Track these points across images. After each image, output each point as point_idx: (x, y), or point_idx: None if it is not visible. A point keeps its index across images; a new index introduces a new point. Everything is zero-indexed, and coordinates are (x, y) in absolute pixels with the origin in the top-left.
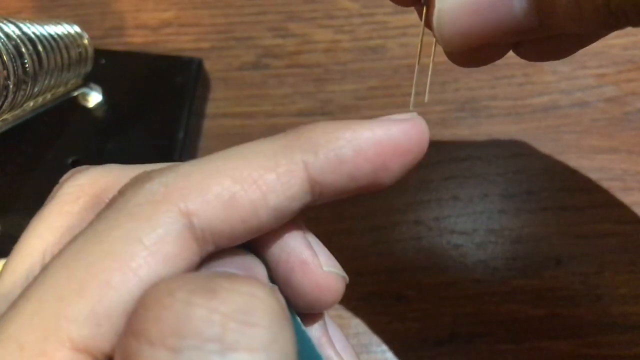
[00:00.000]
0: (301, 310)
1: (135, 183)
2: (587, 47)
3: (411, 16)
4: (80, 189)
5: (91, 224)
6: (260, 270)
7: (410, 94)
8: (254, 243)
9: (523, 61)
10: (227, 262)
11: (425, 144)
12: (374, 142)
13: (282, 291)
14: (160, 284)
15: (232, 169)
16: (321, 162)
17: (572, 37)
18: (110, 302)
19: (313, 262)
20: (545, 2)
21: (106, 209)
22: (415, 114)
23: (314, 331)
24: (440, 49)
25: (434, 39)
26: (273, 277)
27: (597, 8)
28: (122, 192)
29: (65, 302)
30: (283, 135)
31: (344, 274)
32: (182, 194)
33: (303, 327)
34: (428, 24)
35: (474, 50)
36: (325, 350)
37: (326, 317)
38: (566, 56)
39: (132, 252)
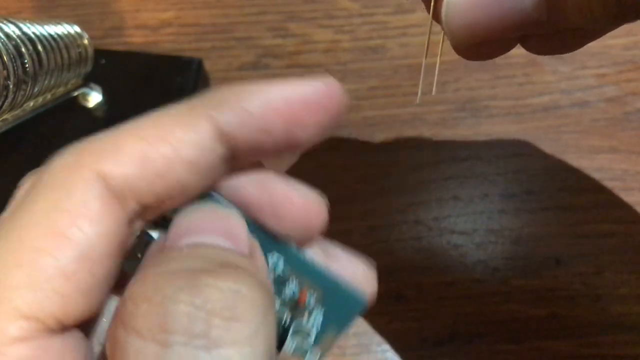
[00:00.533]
0: (298, 240)
1: (53, 157)
2: (587, 47)
3: (411, 16)
4: None
5: (18, 201)
6: (238, 225)
7: (410, 94)
8: (234, 195)
9: (523, 61)
10: (207, 223)
11: (339, 103)
12: (282, 97)
13: (274, 228)
14: (148, 278)
15: (142, 129)
16: (228, 115)
17: (579, 31)
18: (47, 267)
19: (290, 195)
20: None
21: (30, 187)
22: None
23: (315, 255)
24: (447, 44)
25: (442, 32)
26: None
27: (607, 2)
28: (42, 169)
29: (5, 273)
30: (194, 98)
31: (320, 197)
32: (94, 158)
33: (302, 252)
34: (436, 16)
35: (482, 43)
36: (332, 265)
37: (328, 243)
38: (573, 50)
39: (55, 218)
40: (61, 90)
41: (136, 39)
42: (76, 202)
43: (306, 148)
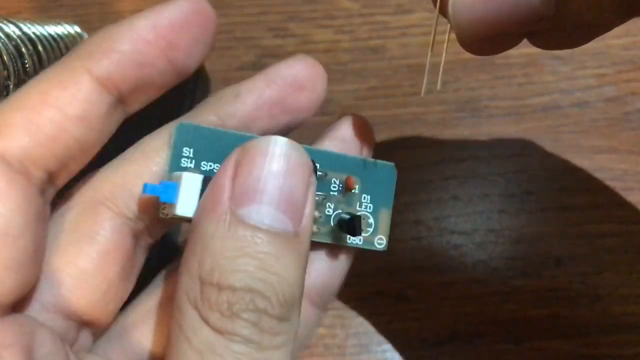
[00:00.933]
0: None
1: None
2: (587, 47)
3: (411, 16)
4: None
5: None
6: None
7: (411, 94)
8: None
9: (523, 61)
10: (269, 188)
11: (207, 17)
12: (150, 26)
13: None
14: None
15: (24, 99)
16: (102, 62)
17: (586, 27)
18: None
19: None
20: None
21: None
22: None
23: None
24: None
25: (447, 29)
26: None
27: None
28: None
29: None
30: (69, 53)
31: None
32: None
33: (324, 149)
34: (443, 10)
35: (489, 38)
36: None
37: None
38: (580, 45)
39: None
40: None
41: None
42: None
43: (191, 69)
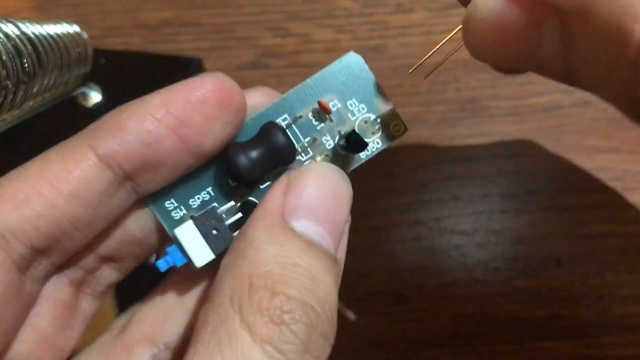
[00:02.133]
0: None
1: None
2: None
3: (411, 16)
4: None
5: None
6: (342, 212)
7: (411, 94)
8: None
9: None
10: (319, 205)
11: (230, 96)
12: (159, 102)
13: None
14: (269, 271)
15: (24, 170)
16: (105, 140)
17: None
18: None
19: None
20: (576, 72)
21: None
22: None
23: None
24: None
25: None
26: None
27: (631, 108)
28: None
29: None
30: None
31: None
32: None
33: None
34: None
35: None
36: None
37: None
38: None
39: None
40: (61, 90)
41: (136, 39)
42: None
43: (209, 149)
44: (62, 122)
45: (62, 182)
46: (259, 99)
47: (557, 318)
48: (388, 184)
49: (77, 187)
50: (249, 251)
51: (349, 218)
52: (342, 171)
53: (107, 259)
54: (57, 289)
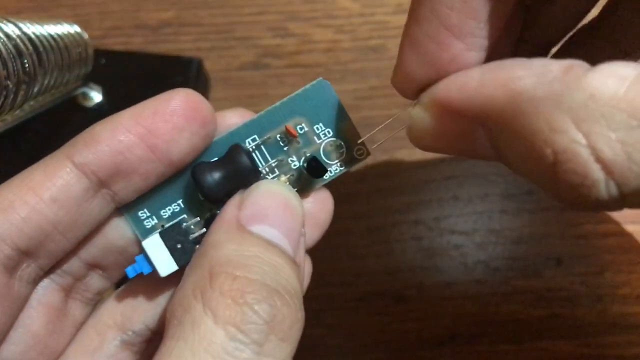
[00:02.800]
0: None
1: None
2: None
3: None
4: None
5: None
6: (297, 215)
7: None
8: None
9: None
10: (272, 210)
11: (197, 108)
12: (131, 115)
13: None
14: (230, 264)
15: (14, 180)
16: (80, 150)
17: None
18: None
19: None
20: (509, 166)
21: None
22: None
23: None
24: None
25: None
26: None
27: (554, 192)
28: None
29: None
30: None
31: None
32: None
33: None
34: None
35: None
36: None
37: None
38: None
39: None
40: (61, 90)
41: (136, 39)
42: None
43: (178, 159)
44: (62, 122)
45: (42, 188)
46: (234, 119)
47: (557, 318)
48: (388, 183)
49: (56, 192)
50: (210, 250)
51: (304, 232)
52: (291, 188)
53: (93, 266)
54: (47, 294)
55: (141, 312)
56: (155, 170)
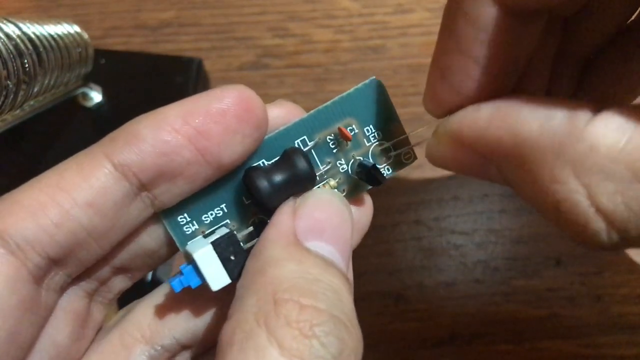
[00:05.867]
0: None
1: None
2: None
3: (411, 16)
4: None
5: None
6: (348, 229)
7: (411, 94)
8: None
9: None
10: (328, 224)
11: (251, 108)
12: (178, 113)
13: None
14: (295, 289)
15: (42, 180)
16: (122, 149)
17: None
18: None
19: None
20: (519, 194)
21: None
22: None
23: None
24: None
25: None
26: None
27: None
28: None
29: None
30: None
31: None
32: None
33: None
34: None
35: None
36: None
37: None
38: None
39: None
40: (61, 90)
41: (136, 39)
42: None
43: (229, 162)
44: (62, 122)
45: (77, 190)
46: (278, 114)
47: (557, 318)
48: (388, 184)
49: (93, 195)
50: (269, 269)
51: (353, 242)
52: (343, 197)
53: (120, 270)
54: (72, 301)
55: (172, 325)
56: (203, 174)
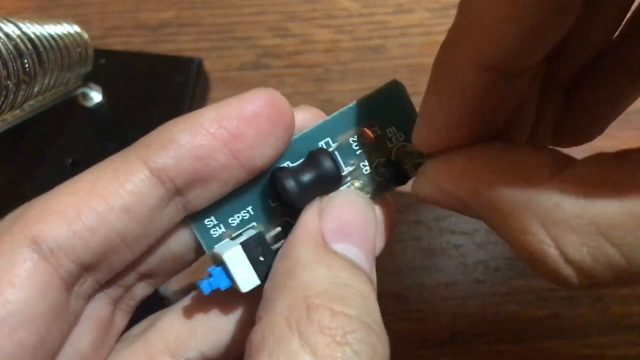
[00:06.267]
0: None
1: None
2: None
3: (411, 16)
4: None
5: None
6: (373, 229)
7: (410, 94)
8: None
9: None
10: (354, 227)
11: (281, 111)
12: (213, 117)
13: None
14: (320, 294)
15: (75, 184)
16: (157, 153)
17: None
18: None
19: None
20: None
21: None
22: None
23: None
24: None
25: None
26: None
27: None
28: None
29: None
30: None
31: None
32: (26, 221)
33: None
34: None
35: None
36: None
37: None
38: None
39: None
40: (61, 90)
41: (136, 39)
42: (5, 266)
43: (260, 164)
44: (62, 122)
45: (114, 195)
46: (303, 118)
47: (557, 318)
48: None
49: (130, 201)
50: (299, 271)
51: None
52: (368, 198)
53: (145, 276)
54: (97, 308)
55: (197, 337)
56: (236, 177)
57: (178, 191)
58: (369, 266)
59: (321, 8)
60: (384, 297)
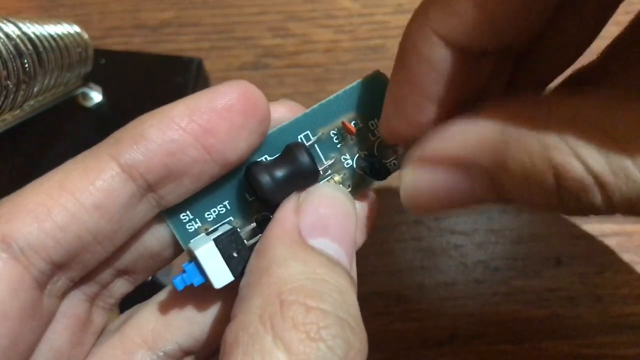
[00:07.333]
0: None
1: None
2: (588, 47)
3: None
4: None
5: None
6: (353, 225)
7: None
8: None
9: None
10: (333, 221)
11: (255, 103)
12: (183, 111)
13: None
14: (297, 287)
15: (45, 182)
16: (127, 149)
17: None
18: None
19: None
20: (508, 201)
21: None
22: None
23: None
24: None
25: None
26: None
27: (549, 199)
28: None
29: None
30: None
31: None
32: None
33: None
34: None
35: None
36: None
37: None
38: None
39: None
40: (61, 90)
41: (136, 39)
42: None
43: (235, 159)
44: (62, 122)
45: (84, 193)
46: (282, 113)
47: (557, 318)
48: (388, 183)
49: (100, 198)
50: (274, 268)
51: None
52: (347, 192)
53: (122, 273)
54: (72, 305)
55: (174, 330)
56: (209, 171)
57: (150, 187)
58: (348, 261)
59: (321, 8)
60: (384, 297)
